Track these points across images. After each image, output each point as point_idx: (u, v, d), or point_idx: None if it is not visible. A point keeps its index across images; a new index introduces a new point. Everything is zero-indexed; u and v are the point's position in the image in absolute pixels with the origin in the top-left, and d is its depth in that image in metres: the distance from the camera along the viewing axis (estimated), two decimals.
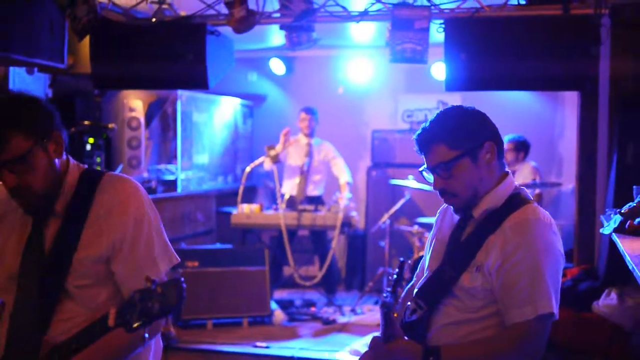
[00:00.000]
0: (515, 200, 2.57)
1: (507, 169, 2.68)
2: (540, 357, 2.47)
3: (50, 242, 2.49)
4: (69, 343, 2.29)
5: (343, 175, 8.32)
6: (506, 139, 8.23)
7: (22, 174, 2.41)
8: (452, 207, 2.67)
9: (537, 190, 8.18)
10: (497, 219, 2.53)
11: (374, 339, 2.54)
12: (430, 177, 2.63)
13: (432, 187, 2.63)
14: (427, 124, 2.62)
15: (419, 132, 2.63)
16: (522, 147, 8.27)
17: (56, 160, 2.51)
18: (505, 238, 2.47)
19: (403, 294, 2.69)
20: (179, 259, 2.63)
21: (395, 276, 2.47)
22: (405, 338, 2.52)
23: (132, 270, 2.47)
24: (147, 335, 2.18)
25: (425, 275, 2.74)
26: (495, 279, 2.46)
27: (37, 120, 2.46)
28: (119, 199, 2.52)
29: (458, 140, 2.54)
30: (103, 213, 2.49)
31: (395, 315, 2.47)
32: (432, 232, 2.86)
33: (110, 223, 2.47)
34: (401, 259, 2.65)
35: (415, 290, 2.72)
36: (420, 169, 2.66)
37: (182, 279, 2.16)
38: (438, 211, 2.89)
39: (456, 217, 2.70)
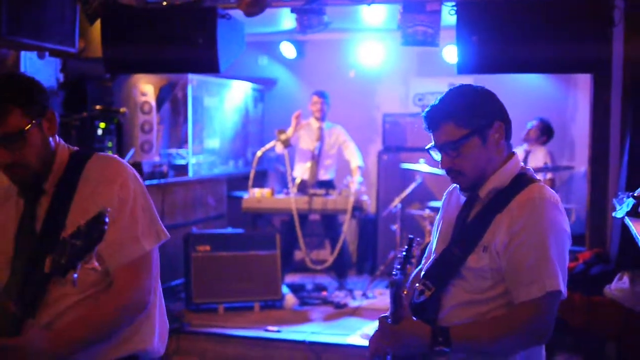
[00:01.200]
0: (522, 180, 2.56)
1: (514, 150, 2.66)
2: (549, 335, 2.45)
3: (41, 221, 2.51)
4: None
5: (354, 159, 8.30)
6: (535, 119, 8.26)
7: (17, 150, 2.44)
8: (458, 186, 2.66)
9: (550, 175, 8.16)
10: (504, 198, 2.52)
11: (382, 319, 2.53)
12: (437, 155, 2.61)
13: (440, 167, 2.61)
14: (437, 101, 2.61)
15: (427, 109, 2.62)
16: (547, 131, 8.27)
17: (49, 139, 2.54)
18: (511, 217, 2.46)
19: (412, 274, 2.67)
20: (168, 236, 2.62)
21: (404, 253, 2.45)
22: (414, 318, 2.50)
23: (115, 245, 2.46)
24: (75, 275, 2.16)
25: (432, 257, 2.73)
26: (502, 258, 2.46)
27: (34, 98, 2.49)
28: (104, 176, 2.53)
29: (467, 119, 2.52)
30: (89, 191, 2.50)
31: (405, 292, 2.45)
32: (438, 215, 2.85)
33: (96, 200, 2.46)
34: (410, 236, 2.63)
35: (423, 272, 2.71)
36: (428, 146, 2.64)
37: (106, 216, 2.14)
38: (444, 194, 2.87)
39: (462, 199, 2.68)
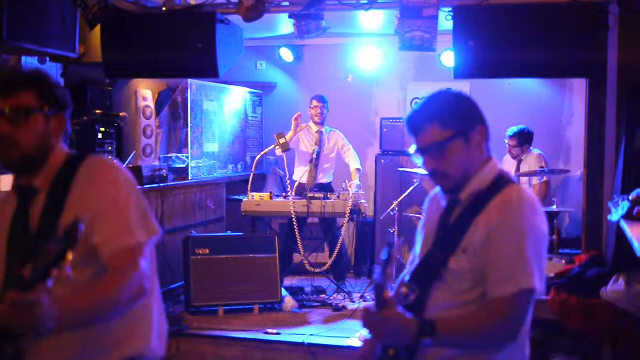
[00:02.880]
0: (500, 182, 2.60)
1: (491, 154, 2.70)
2: (517, 333, 2.46)
3: (35, 221, 2.54)
4: None
5: (354, 162, 8.40)
6: (509, 132, 8.23)
7: (16, 127, 2.48)
8: (441, 188, 2.69)
9: (544, 178, 8.21)
10: (483, 200, 2.55)
11: (364, 309, 2.50)
12: (420, 159, 2.64)
13: (424, 169, 2.64)
14: (418, 106, 2.65)
15: (410, 113, 2.66)
16: (525, 139, 8.24)
17: (52, 137, 2.59)
18: (489, 217, 2.50)
19: (393, 276, 2.68)
20: (160, 231, 2.63)
21: (384, 257, 2.47)
22: (399, 309, 2.51)
23: (109, 241, 2.48)
24: (50, 283, 2.15)
25: (416, 261, 2.77)
26: (479, 257, 2.49)
27: (52, 91, 2.56)
28: (96, 176, 2.57)
29: (452, 120, 2.56)
30: (81, 191, 2.52)
31: (387, 294, 2.46)
32: (421, 221, 2.88)
33: (88, 199, 2.50)
34: (389, 241, 2.67)
35: (408, 276, 2.75)
36: (411, 151, 2.67)
37: (81, 224, 2.16)
38: (426, 200, 2.91)
39: (444, 203, 2.72)
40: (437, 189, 2.81)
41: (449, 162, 2.58)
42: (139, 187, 2.72)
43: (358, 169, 8.33)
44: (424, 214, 2.89)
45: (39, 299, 2.17)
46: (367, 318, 2.47)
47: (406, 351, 2.54)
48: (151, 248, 2.61)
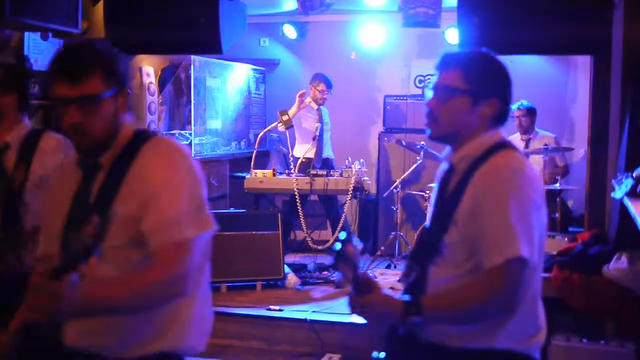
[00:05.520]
0: (494, 149, 2.55)
1: (499, 129, 2.65)
2: (516, 304, 2.43)
3: (94, 197, 2.50)
4: None
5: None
6: (517, 105, 8.21)
7: (88, 115, 2.42)
8: (427, 130, 2.66)
9: (561, 162, 8.25)
10: (474, 168, 2.52)
11: (349, 295, 2.51)
12: (429, 94, 2.62)
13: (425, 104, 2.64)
14: (460, 50, 2.67)
15: (449, 52, 2.66)
16: (534, 113, 8.27)
17: (119, 115, 2.52)
18: (475, 186, 2.47)
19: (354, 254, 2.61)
20: (215, 227, 2.51)
21: (337, 251, 2.43)
22: (383, 291, 2.50)
23: (156, 232, 2.41)
24: (76, 277, 2.15)
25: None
26: (468, 228, 2.46)
27: (117, 68, 2.48)
28: (156, 159, 2.50)
29: (475, 79, 2.55)
30: (139, 172, 2.48)
31: (346, 285, 2.45)
32: (432, 195, 2.86)
33: (144, 181, 2.45)
34: (347, 227, 2.65)
35: (411, 252, 2.75)
36: (430, 83, 2.65)
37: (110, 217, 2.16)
38: (436, 175, 2.88)
39: (443, 171, 2.71)
40: (444, 164, 2.78)
41: (446, 110, 2.57)
42: None
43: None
44: (434, 189, 2.86)
45: (59, 290, 2.15)
46: (353, 304, 2.50)
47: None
48: (203, 243, 2.49)
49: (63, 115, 2.43)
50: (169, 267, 2.39)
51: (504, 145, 2.59)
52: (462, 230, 2.48)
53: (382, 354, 2.74)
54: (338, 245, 2.36)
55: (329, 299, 6.83)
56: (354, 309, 2.50)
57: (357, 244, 2.40)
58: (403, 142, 8.34)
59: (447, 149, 2.70)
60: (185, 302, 2.53)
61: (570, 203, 8.33)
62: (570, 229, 7.46)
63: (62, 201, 2.57)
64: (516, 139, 8.28)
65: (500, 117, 2.63)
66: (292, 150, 8.46)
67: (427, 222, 2.76)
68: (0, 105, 3.91)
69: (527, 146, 8.17)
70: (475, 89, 2.55)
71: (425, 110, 2.63)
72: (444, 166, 2.75)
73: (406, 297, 2.47)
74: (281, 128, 7.89)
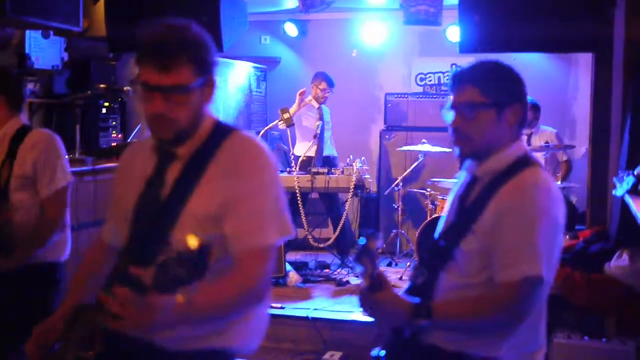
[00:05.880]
0: (520, 164, 2.56)
1: (522, 137, 2.68)
2: (523, 320, 2.45)
3: (169, 187, 2.43)
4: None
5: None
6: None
7: (174, 105, 2.34)
8: (459, 149, 2.65)
9: (564, 157, 8.25)
10: (500, 182, 2.52)
11: (361, 291, 2.49)
12: (450, 115, 2.62)
13: (449, 125, 2.62)
14: (468, 65, 2.64)
15: (458, 70, 2.66)
16: (538, 109, 8.29)
17: (204, 104, 2.44)
18: (500, 201, 2.47)
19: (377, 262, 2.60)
20: (293, 233, 2.46)
21: (360, 247, 2.42)
22: (394, 290, 2.49)
23: (240, 235, 2.36)
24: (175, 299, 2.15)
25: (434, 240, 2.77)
26: (487, 240, 2.47)
27: (205, 56, 2.39)
28: (242, 158, 2.43)
29: (492, 90, 2.56)
30: (222, 169, 2.40)
31: (367, 281, 2.44)
32: (448, 200, 2.84)
33: (230, 180, 2.37)
34: (371, 230, 2.65)
35: (423, 256, 2.75)
36: (446, 107, 2.65)
37: (211, 249, 2.14)
38: (456, 176, 2.87)
39: (465, 181, 2.71)
40: (463, 172, 2.78)
41: (475, 126, 2.57)
42: None
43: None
44: (450, 194, 2.85)
45: (155, 305, 2.16)
46: (363, 300, 2.49)
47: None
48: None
49: (147, 102, 2.37)
50: (253, 276, 2.36)
51: (529, 160, 2.60)
52: (481, 242, 2.49)
53: (382, 352, 2.74)
54: (362, 240, 2.35)
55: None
56: (364, 305, 2.50)
57: (379, 242, 2.40)
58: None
59: (468, 161, 2.71)
60: None
61: (574, 200, 8.31)
62: (577, 227, 7.44)
63: (133, 183, 2.51)
64: None
65: (524, 120, 2.65)
66: (292, 148, 8.46)
67: (440, 229, 2.76)
68: None
69: (529, 141, 8.18)
70: (496, 99, 2.57)
71: (451, 130, 2.63)
72: (463, 176, 2.77)
73: (416, 300, 2.47)
74: (282, 126, 7.89)
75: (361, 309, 2.53)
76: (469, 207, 2.59)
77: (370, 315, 2.54)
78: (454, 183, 2.86)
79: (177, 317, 2.23)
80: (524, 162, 2.58)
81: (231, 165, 2.39)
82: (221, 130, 2.49)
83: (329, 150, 8.65)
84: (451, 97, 2.64)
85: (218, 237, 2.34)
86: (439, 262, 2.61)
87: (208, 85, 2.42)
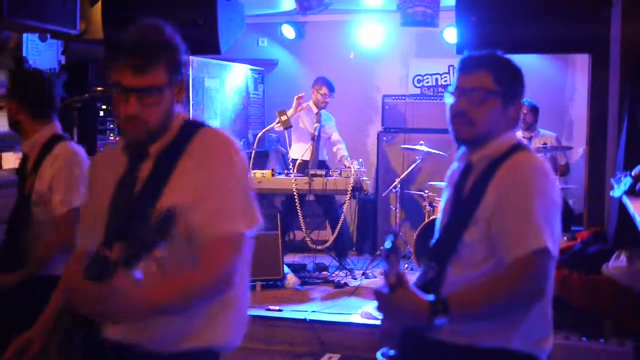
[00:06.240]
0: (513, 149, 2.58)
1: (516, 131, 2.70)
2: (541, 295, 2.44)
3: (140, 186, 2.44)
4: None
5: (343, 150, 8.56)
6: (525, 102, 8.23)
7: (147, 106, 2.36)
8: (459, 133, 2.64)
9: (563, 160, 8.26)
10: (494, 167, 2.54)
11: (377, 291, 2.47)
12: (452, 98, 2.62)
13: (451, 109, 2.62)
14: (481, 51, 2.66)
15: (470, 54, 2.67)
16: (537, 112, 8.30)
17: (174, 104, 2.47)
18: (497, 184, 2.49)
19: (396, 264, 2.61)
20: (261, 222, 2.49)
21: (389, 245, 2.43)
22: (412, 289, 2.45)
23: (209, 224, 2.36)
24: (139, 275, 2.15)
25: (436, 235, 2.76)
26: (490, 226, 2.48)
27: (180, 59, 2.42)
28: (212, 150, 2.46)
29: (504, 80, 2.58)
30: (192, 163, 2.42)
31: (393, 279, 2.44)
32: (443, 196, 2.86)
33: (198, 173, 2.40)
34: (394, 230, 2.65)
35: (429, 252, 2.74)
36: (450, 89, 2.65)
37: (176, 214, 2.13)
38: (446, 175, 2.87)
39: (459, 169, 2.71)
40: (455, 164, 2.79)
41: (481, 112, 2.57)
42: None
43: (346, 157, 8.36)
44: (445, 186, 2.85)
45: (115, 291, 2.14)
46: (380, 300, 2.46)
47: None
48: (249, 239, 2.47)
49: (121, 103, 2.37)
50: (220, 262, 2.36)
51: (522, 146, 2.63)
52: (484, 229, 2.50)
53: (392, 352, 2.73)
54: (389, 240, 2.36)
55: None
56: (381, 303, 2.48)
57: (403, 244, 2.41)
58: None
59: (461, 149, 2.72)
60: (229, 298, 2.49)
61: (571, 202, 8.32)
62: (573, 227, 7.45)
63: (105, 187, 2.52)
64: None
65: (519, 120, 2.68)
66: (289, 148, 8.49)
67: (439, 222, 2.77)
68: (10, 114, 3.89)
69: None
70: (506, 91, 2.59)
71: (454, 112, 2.62)
72: (455, 166, 2.78)
73: (431, 297, 2.44)
74: (279, 128, 7.89)
75: (379, 310, 2.52)
76: (467, 197, 2.60)
77: (387, 315, 2.53)
78: (447, 175, 2.85)
79: (144, 305, 2.23)
80: (517, 147, 2.60)
81: (201, 157, 2.42)
82: (191, 126, 2.52)
83: (325, 155, 8.65)
84: (458, 80, 2.63)
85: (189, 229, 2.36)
86: (444, 256, 2.61)
87: (179, 85, 2.45)
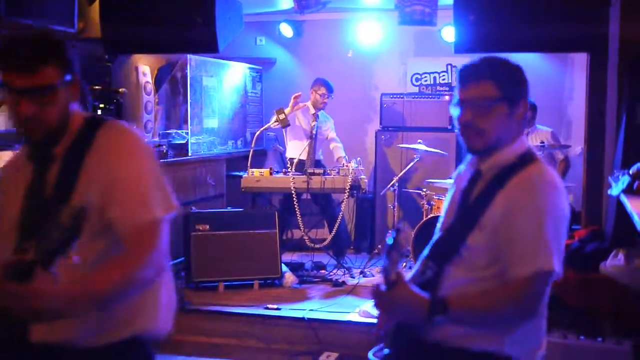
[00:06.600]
0: (525, 159, 2.57)
1: (523, 132, 2.70)
2: (534, 313, 2.48)
3: (50, 189, 2.45)
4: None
5: (340, 151, 8.56)
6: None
7: (43, 105, 2.38)
8: (470, 145, 2.63)
9: (561, 155, 8.25)
10: (505, 176, 2.53)
11: (375, 288, 2.49)
12: (457, 110, 2.61)
13: (458, 121, 2.61)
14: (478, 59, 2.63)
15: (468, 63, 2.64)
16: (535, 109, 8.30)
17: (71, 103, 2.50)
18: (508, 195, 2.48)
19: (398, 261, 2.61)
20: (178, 207, 2.53)
21: (391, 241, 2.43)
22: (410, 287, 2.48)
23: (127, 215, 2.40)
24: (55, 272, 2.16)
25: (438, 235, 2.76)
26: (497, 235, 2.47)
27: (68, 56, 2.43)
28: (116, 143, 2.48)
29: (506, 84, 2.57)
30: (98, 159, 2.44)
31: (394, 276, 2.45)
32: (448, 196, 2.86)
33: (106, 167, 2.42)
34: (398, 225, 2.66)
35: (428, 250, 2.74)
36: (454, 101, 2.64)
37: (86, 212, 2.16)
38: (454, 175, 2.88)
39: (467, 176, 2.71)
40: (463, 166, 2.79)
41: (489, 121, 2.56)
42: None
43: (344, 157, 8.36)
44: (451, 185, 2.86)
45: (39, 291, 2.15)
46: (378, 298, 2.48)
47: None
48: (167, 224, 2.49)
49: (14, 105, 2.39)
50: (146, 248, 2.39)
51: (533, 156, 2.61)
52: (488, 236, 2.50)
53: (386, 351, 2.73)
54: (393, 234, 2.37)
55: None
56: (379, 300, 2.49)
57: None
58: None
59: (469, 156, 2.72)
60: (154, 285, 2.53)
61: (570, 200, 8.32)
62: (572, 226, 7.45)
63: (15, 195, 2.52)
64: None
65: (527, 116, 2.68)
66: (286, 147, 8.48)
67: (441, 224, 2.77)
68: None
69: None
70: (509, 94, 2.58)
71: (462, 124, 2.61)
72: (462, 169, 2.79)
73: (429, 295, 2.46)
74: (276, 126, 7.88)
75: (376, 308, 2.52)
76: (475, 202, 2.60)
77: (385, 312, 2.53)
78: (454, 175, 2.86)
79: (70, 301, 2.24)
80: (529, 157, 2.59)
81: (106, 153, 2.45)
82: (93, 123, 2.54)
83: (321, 155, 8.66)
84: (460, 93, 2.62)
85: (104, 230, 2.40)
86: (444, 257, 2.61)
87: (74, 83, 2.48)
